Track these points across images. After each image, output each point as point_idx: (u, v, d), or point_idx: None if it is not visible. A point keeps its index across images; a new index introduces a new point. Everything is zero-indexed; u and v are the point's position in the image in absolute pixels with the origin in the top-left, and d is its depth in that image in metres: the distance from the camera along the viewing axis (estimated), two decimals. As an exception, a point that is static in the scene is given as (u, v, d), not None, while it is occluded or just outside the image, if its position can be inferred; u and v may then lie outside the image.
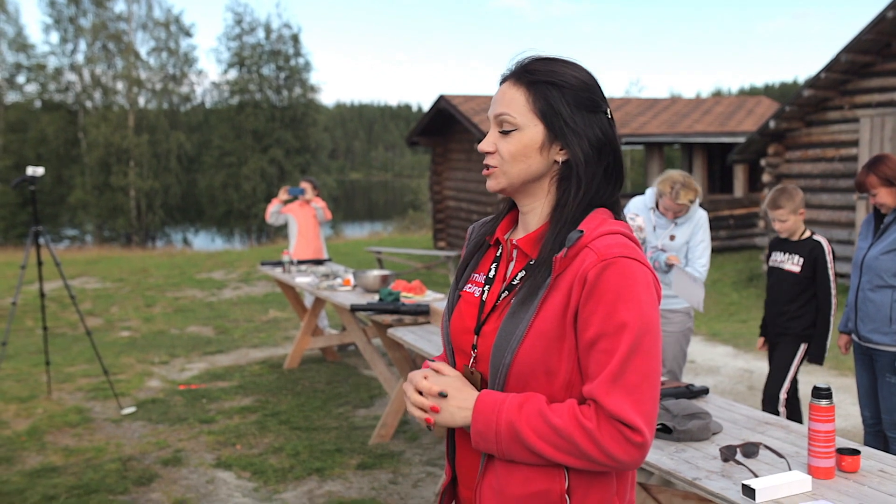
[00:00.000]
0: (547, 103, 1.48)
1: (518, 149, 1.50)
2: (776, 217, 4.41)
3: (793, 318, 4.43)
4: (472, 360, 1.56)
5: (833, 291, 4.33)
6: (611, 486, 1.49)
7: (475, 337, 1.56)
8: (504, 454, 1.45)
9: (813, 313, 4.42)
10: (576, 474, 1.46)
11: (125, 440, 5.42)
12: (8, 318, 6.56)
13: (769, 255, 4.62)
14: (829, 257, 4.34)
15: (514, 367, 1.45)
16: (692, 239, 4.73)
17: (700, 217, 4.76)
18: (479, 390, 1.54)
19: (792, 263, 4.43)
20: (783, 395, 4.39)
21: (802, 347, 4.44)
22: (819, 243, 4.38)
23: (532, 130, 1.49)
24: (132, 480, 4.68)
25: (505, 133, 1.51)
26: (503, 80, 1.55)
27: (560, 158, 1.51)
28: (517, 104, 1.50)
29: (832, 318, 4.36)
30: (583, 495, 1.46)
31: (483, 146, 1.54)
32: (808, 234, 4.46)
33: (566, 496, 1.46)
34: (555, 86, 1.48)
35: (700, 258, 4.71)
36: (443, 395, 1.49)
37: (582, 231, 1.45)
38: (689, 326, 4.83)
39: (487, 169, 1.55)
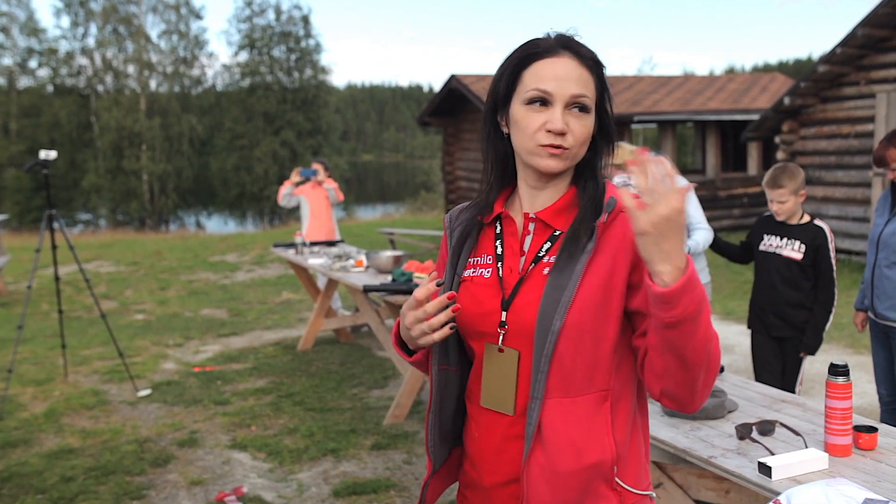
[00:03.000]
0: (603, 90, 1.52)
1: (588, 132, 1.51)
2: (775, 198, 4.07)
3: (795, 307, 4.13)
4: (501, 338, 1.52)
5: (835, 282, 4.07)
6: (642, 451, 1.55)
7: (503, 314, 1.52)
8: (687, 320, 1.32)
9: (814, 300, 4.16)
10: (620, 442, 1.49)
11: (141, 422, 5.46)
12: (24, 302, 6.61)
13: (759, 239, 4.26)
14: (831, 245, 4.06)
15: (564, 332, 1.43)
16: None
17: None
18: (515, 368, 1.50)
19: (792, 249, 4.09)
20: (798, 388, 4.30)
21: None
22: (822, 229, 4.08)
23: (593, 116, 1.51)
24: (149, 461, 4.72)
25: (581, 114, 1.49)
26: (553, 53, 1.48)
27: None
28: (591, 87, 1.50)
29: (833, 310, 4.10)
30: (625, 462, 1.50)
31: (559, 125, 1.46)
32: (806, 217, 4.15)
33: (615, 465, 1.48)
34: (602, 68, 1.53)
35: (698, 225, 4.61)
36: None
37: (615, 198, 1.49)
38: (708, 301, 4.76)
39: (558, 149, 1.48)
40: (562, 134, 1.47)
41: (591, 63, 1.51)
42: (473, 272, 1.59)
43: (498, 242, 1.59)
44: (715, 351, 1.39)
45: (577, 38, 1.53)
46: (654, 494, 1.58)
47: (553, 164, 1.49)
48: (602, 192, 1.53)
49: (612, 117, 1.56)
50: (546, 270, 1.49)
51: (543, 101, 1.48)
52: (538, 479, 1.47)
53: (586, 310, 1.43)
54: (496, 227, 1.61)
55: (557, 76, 1.47)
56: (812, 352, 4.14)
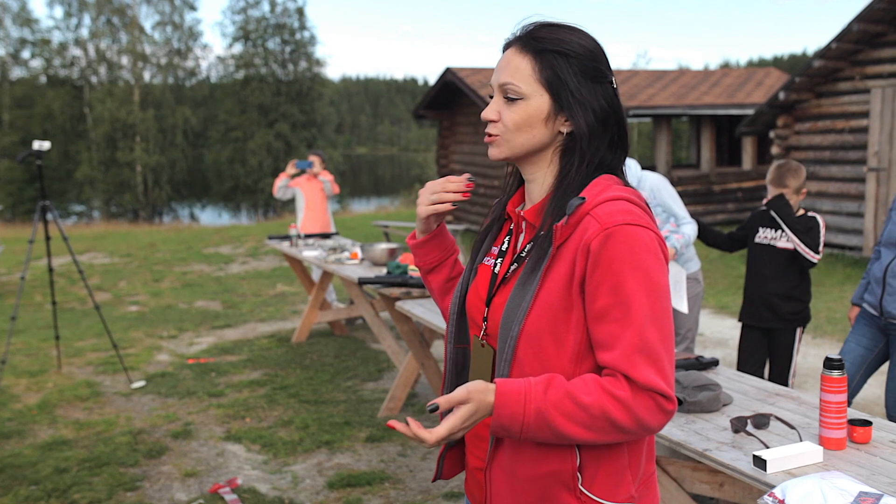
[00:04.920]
0: (554, 73, 1.44)
1: (523, 118, 1.46)
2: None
3: (785, 298, 4.22)
4: (482, 332, 1.56)
5: (814, 259, 4.09)
6: (622, 459, 1.47)
7: (486, 309, 1.55)
8: (527, 439, 1.40)
9: (805, 293, 4.27)
10: (586, 451, 1.44)
11: (135, 413, 5.45)
12: (17, 293, 6.59)
13: (755, 232, 4.34)
14: (822, 231, 4.12)
15: (522, 338, 1.43)
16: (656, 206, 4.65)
17: (650, 183, 4.66)
18: (490, 365, 1.53)
19: (787, 241, 4.18)
20: (791, 382, 4.32)
21: (799, 332, 4.29)
22: (815, 219, 4.14)
23: (538, 100, 1.46)
24: (143, 453, 4.71)
25: (510, 102, 1.47)
26: (507, 46, 1.51)
27: (565, 129, 1.48)
28: (523, 73, 1.46)
29: (807, 254, 4.09)
30: (594, 471, 1.45)
31: (486, 114, 1.50)
32: (801, 212, 4.22)
33: (578, 474, 1.44)
34: (562, 55, 1.44)
35: (683, 220, 4.64)
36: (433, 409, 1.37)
37: (583, 198, 1.42)
38: (698, 292, 4.78)
39: (488, 137, 1.52)
40: (492, 121, 1.50)
41: (533, 47, 1.46)
42: (486, 262, 1.62)
43: (507, 238, 1.60)
44: (597, 424, 1.36)
45: (536, 22, 1.50)
46: None
47: (490, 151, 1.53)
48: (570, 191, 1.46)
49: (584, 103, 1.45)
50: (521, 272, 1.48)
51: (492, 94, 1.53)
52: (500, 479, 1.49)
53: (545, 316, 1.41)
54: (512, 222, 1.62)
55: (497, 67, 1.51)
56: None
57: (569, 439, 1.38)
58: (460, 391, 1.36)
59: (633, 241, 1.37)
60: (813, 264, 4.16)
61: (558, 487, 1.44)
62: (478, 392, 1.37)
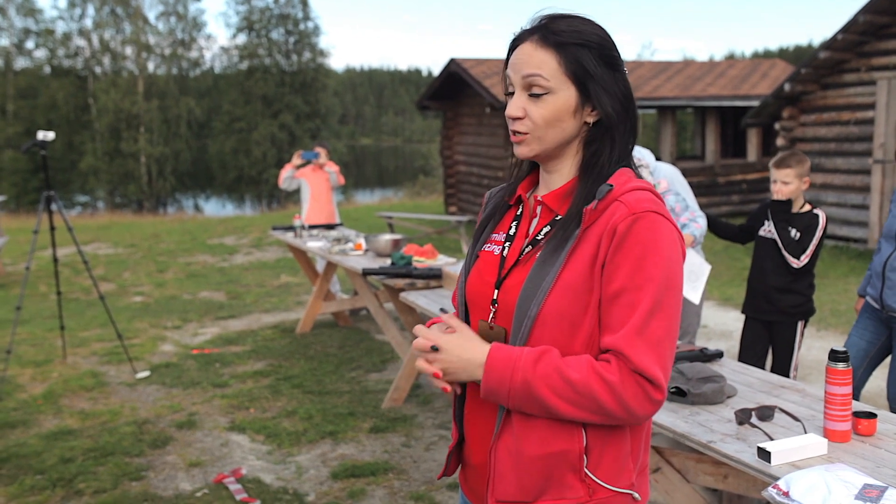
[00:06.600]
0: (580, 65, 1.46)
1: (552, 113, 1.47)
2: (780, 178, 4.11)
3: (784, 292, 4.21)
4: (491, 315, 1.55)
5: (794, 265, 4.11)
6: (625, 446, 1.49)
7: (496, 291, 1.54)
8: (515, 409, 1.45)
9: (807, 287, 4.26)
10: (593, 433, 1.45)
11: (140, 404, 5.47)
12: (22, 284, 6.60)
13: (761, 224, 4.32)
14: (819, 231, 4.10)
15: (540, 318, 1.44)
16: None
17: (664, 173, 4.64)
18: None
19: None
20: (793, 374, 4.32)
21: (800, 325, 4.28)
22: (817, 216, 4.13)
23: (565, 94, 1.46)
24: (147, 443, 4.72)
25: (535, 97, 1.47)
26: (520, 40, 1.50)
27: (591, 119, 1.50)
28: (549, 67, 1.46)
29: (791, 260, 4.11)
30: (599, 454, 1.46)
31: (511, 111, 1.49)
32: (808, 207, 4.19)
33: (584, 455, 1.45)
34: (584, 46, 1.46)
35: (695, 214, 4.63)
36: (434, 350, 1.48)
37: (612, 185, 1.45)
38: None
39: (516, 135, 1.51)
40: (518, 119, 1.49)
41: (554, 41, 1.46)
42: (488, 248, 1.62)
43: (514, 223, 1.61)
44: (586, 402, 1.39)
45: (549, 15, 1.50)
46: (637, 495, 1.51)
47: (518, 150, 1.53)
48: (600, 178, 1.49)
49: (609, 91, 1.47)
50: (539, 253, 1.49)
51: (512, 90, 1.52)
52: (504, 461, 1.49)
53: (565, 297, 1.42)
54: (519, 208, 1.63)
55: (515, 62, 1.50)
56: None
57: (555, 414, 1.41)
58: (461, 323, 1.51)
59: (657, 228, 1.41)
60: (795, 269, 4.16)
61: (564, 468, 1.45)
62: (470, 331, 1.50)
